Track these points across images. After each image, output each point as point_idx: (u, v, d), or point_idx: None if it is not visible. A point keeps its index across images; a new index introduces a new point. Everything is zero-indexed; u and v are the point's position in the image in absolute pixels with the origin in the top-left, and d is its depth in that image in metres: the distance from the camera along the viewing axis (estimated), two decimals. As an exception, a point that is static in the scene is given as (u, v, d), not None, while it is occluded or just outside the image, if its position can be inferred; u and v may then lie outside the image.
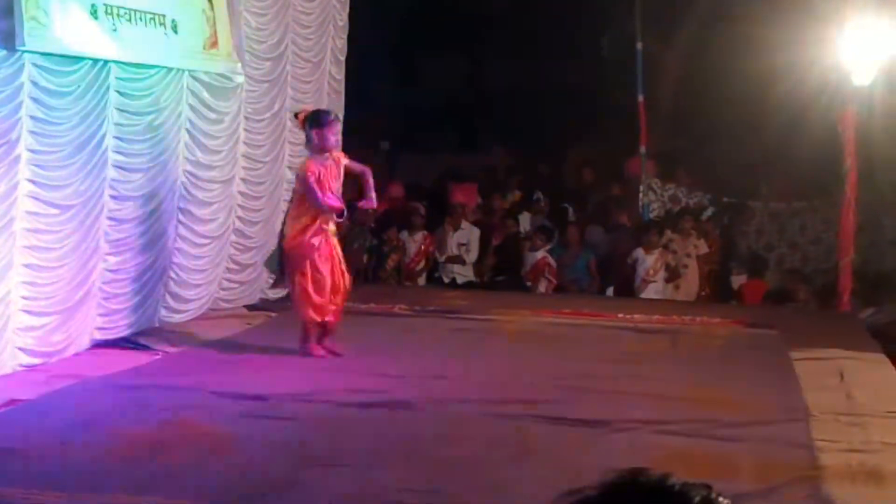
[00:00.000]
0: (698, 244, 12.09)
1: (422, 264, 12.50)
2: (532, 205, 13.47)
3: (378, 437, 6.07)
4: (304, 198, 8.06)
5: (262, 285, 10.46)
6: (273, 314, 9.76)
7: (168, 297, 9.01)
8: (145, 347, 8.17)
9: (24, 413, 6.31)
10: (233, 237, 9.90)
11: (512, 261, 12.45)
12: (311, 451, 5.80)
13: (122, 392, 6.85)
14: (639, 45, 13.09)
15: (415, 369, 7.77)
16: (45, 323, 7.50)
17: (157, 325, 8.83)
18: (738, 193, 13.26)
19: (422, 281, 12.49)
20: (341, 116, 11.61)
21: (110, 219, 8.12)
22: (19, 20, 6.82)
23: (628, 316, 10.15)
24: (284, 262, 8.27)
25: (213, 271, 9.64)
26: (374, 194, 8.39)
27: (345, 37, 11.57)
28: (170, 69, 8.65)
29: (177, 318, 9.14)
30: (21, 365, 7.25)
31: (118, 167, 8.16)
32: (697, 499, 1.35)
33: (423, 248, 12.47)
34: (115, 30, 7.77)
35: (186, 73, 8.91)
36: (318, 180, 7.97)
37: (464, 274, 12.51)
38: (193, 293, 9.38)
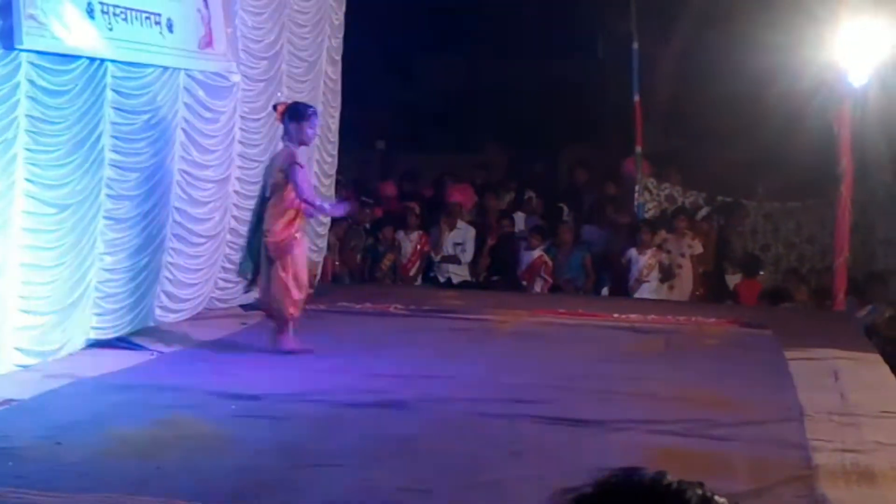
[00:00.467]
0: (692, 244, 12.10)
1: (417, 264, 12.51)
2: (524, 204, 13.47)
3: (372, 436, 6.07)
4: (289, 190, 8.03)
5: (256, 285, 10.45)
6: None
7: (163, 297, 9.00)
8: (140, 347, 8.16)
9: (18, 413, 6.31)
10: (228, 237, 9.89)
11: (507, 261, 12.46)
12: (305, 450, 5.81)
13: (117, 392, 6.85)
14: (634, 45, 13.10)
15: (409, 369, 7.78)
16: (41, 322, 7.49)
17: (152, 324, 8.82)
18: (734, 193, 13.27)
19: (417, 281, 12.49)
20: (337, 116, 11.66)
21: (106, 218, 8.11)
22: (17, 19, 6.81)
23: (623, 316, 10.16)
24: (263, 258, 8.19)
25: (208, 271, 9.64)
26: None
27: (341, 36, 11.56)
28: (166, 68, 8.65)
29: (172, 317, 9.13)
30: (16, 364, 7.24)
31: (115, 166, 8.15)
32: (693, 497, 1.36)
33: (418, 247, 12.47)
34: (110, 29, 7.76)
35: (182, 71, 8.90)
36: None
37: (459, 274, 12.52)
38: (189, 293, 9.38)
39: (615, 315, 10.20)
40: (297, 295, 8.18)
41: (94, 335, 8.09)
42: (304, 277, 8.31)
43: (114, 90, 8.04)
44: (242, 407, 6.57)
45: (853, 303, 11.16)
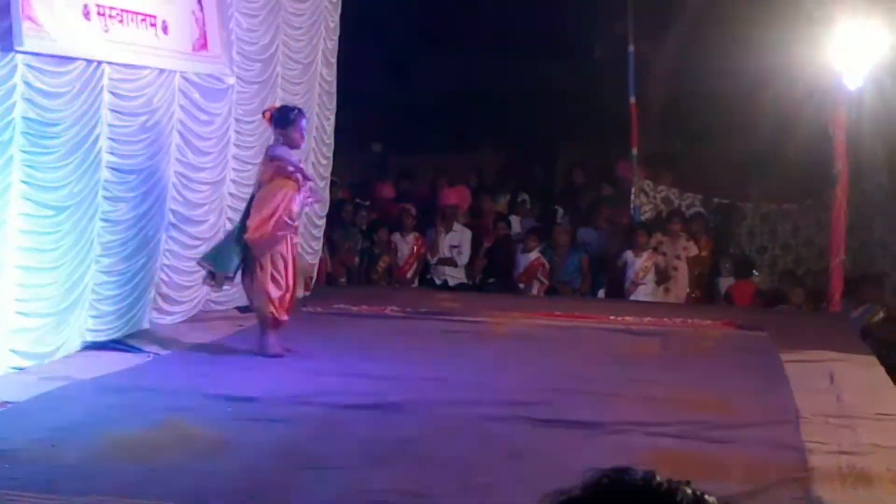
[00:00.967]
0: (687, 246, 12.11)
1: (414, 266, 12.51)
2: (519, 207, 13.48)
3: (368, 438, 6.07)
4: (270, 186, 8.01)
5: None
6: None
7: (159, 299, 8.99)
8: (136, 349, 8.16)
9: (14, 415, 6.30)
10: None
11: (503, 263, 12.46)
12: (301, 452, 5.80)
13: (113, 394, 6.84)
14: (630, 47, 13.11)
15: (406, 371, 7.78)
16: (38, 325, 7.49)
17: (147, 326, 8.81)
18: (730, 195, 13.28)
19: (413, 283, 12.49)
20: (332, 118, 11.66)
21: (103, 220, 8.11)
22: (16, 21, 6.80)
23: (619, 318, 10.16)
24: (244, 256, 8.13)
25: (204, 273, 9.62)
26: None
27: (336, 38, 11.56)
28: (162, 70, 8.65)
29: (168, 319, 9.13)
30: (12, 366, 7.24)
31: (111, 168, 8.15)
32: (684, 497, 1.36)
33: (414, 249, 12.47)
34: (106, 31, 7.76)
35: (178, 74, 8.90)
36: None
37: (455, 276, 12.52)
38: (184, 295, 9.37)
39: (611, 317, 10.21)
40: (276, 293, 8.04)
41: (90, 337, 8.09)
42: (288, 277, 8.12)
43: (111, 92, 8.03)
44: (238, 409, 6.57)
45: (849, 304, 11.17)
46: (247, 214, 8.17)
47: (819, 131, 11.38)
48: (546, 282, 12.16)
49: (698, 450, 5.96)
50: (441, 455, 5.80)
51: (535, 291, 12.15)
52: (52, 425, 6.03)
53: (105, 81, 7.94)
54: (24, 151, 7.19)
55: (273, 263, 8.05)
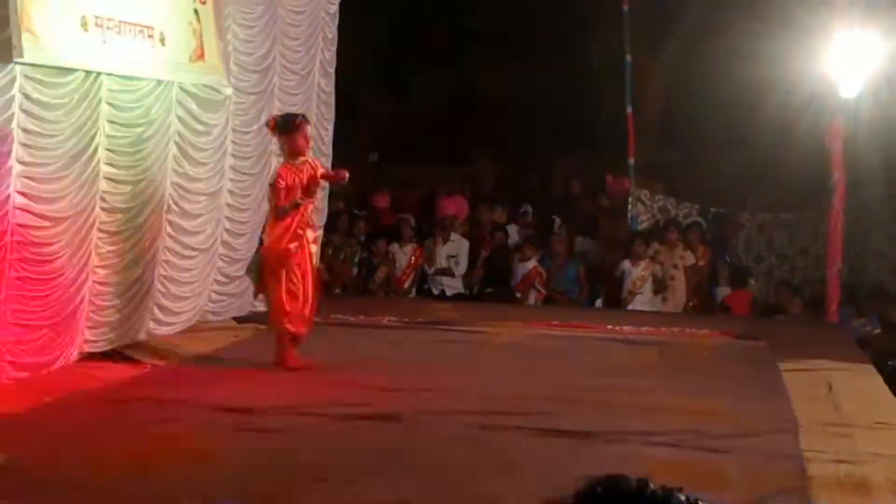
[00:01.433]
0: (684, 255, 12.12)
1: (411, 277, 12.51)
2: (519, 217, 13.49)
3: (365, 449, 6.06)
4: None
5: (250, 298, 10.45)
6: (262, 326, 9.73)
7: (156, 310, 8.99)
8: (134, 360, 8.15)
9: (11, 426, 6.28)
10: (221, 249, 9.89)
11: (501, 273, 12.46)
12: (298, 463, 5.79)
13: (110, 405, 6.84)
14: (627, 58, 13.13)
15: (403, 381, 7.77)
16: (36, 336, 7.48)
17: (145, 337, 8.81)
18: (726, 205, 13.29)
19: (411, 293, 12.49)
20: (331, 128, 11.66)
21: (101, 231, 8.11)
22: (15, 32, 6.80)
23: (617, 328, 10.17)
24: (262, 269, 8.14)
25: (201, 284, 9.63)
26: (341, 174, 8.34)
27: (334, 49, 11.57)
28: (160, 81, 8.65)
29: (165, 330, 9.12)
30: (9, 378, 7.23)
31: (109, 179, 8.15)
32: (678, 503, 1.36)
33: (412, 260, 12.48)
34: (104, 42, 7.76)
35: (175, 85, 8.91)
36: (289, 187, 7.92)
37: (452, 286, 12.52)
38: (182, 305, 9.37)
39: (609, 327, 10.22)
40: (291, 307, 7.98)
41: (87, 348, 8.08)
42: (305, 290, 8.04)
43: (109, 103, 8.04)
44: (236, 420, 6.56)
45: (849, 312, 11.18)
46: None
47: (815, 141, 11.40)
48: (543, 290, 12.17)
49: (696, 459, 5.95)
50: (438, 465, 5.79)
51: (532, 301, 12.16)
52: (49, 437, 6.02)
53: (103, 93, 7.95)
54: (22, 163, 7.19)
55: (288, 275, 7.96)
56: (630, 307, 11.82)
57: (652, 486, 1.37)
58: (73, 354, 7.92)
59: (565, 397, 7.40)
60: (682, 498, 1.37)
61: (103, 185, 8.07)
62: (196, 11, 9.01)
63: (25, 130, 7.18)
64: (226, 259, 9.96)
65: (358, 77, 12.65)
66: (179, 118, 9.02)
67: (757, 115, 12.32)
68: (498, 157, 15.80)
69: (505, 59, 16.06)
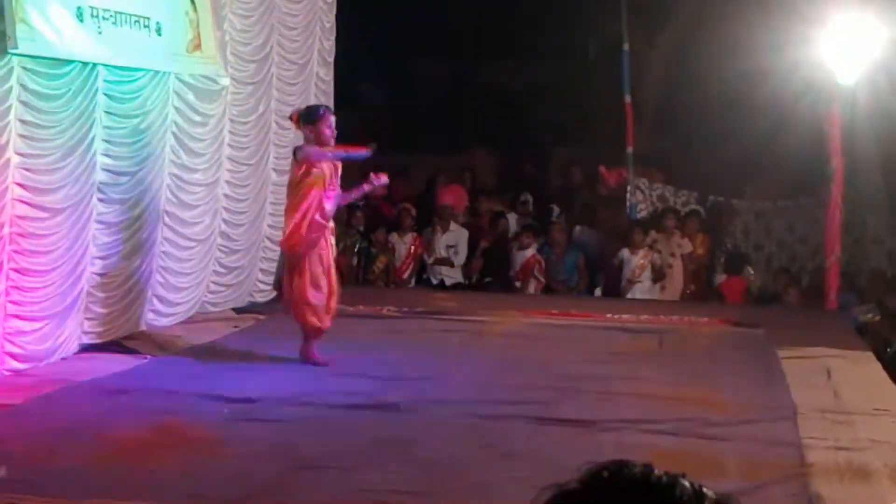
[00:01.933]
0: (682, 243, 12.12)
1: (411, 266, 12.50)
2: (518, 206, 13.47)
3: (366, 438, 6.07)
4: (298, 190, 7.78)
5: (249, 288, 10.46)
6: (261, 316, 9.75)
7: (155, 301, 8.99)
8: (133, 351, 8.15)
9: (11, 418, 6.29)
10: (219, 240, 9.88)
11: (500, 262, 12.46)
12: (299, 453, 5.80)
13: (110, 396, 6.84)
14: (625, 46, 13.12)
15: (403, 371, 7.77)
16: (35, 328, 7.48)
17: (144, 328, 8.81)
18: (725, 193, 13.29)
19: (410, 283, 12.49)
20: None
21: (98, 222, 8.10)
22: (10, 24, 6.79)
23: (616, 316, 10.17)
24: (282, 264, 8.00)
25: (199, 274, 9.63)
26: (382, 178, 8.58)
27: (332, 38, 11.55)
28: (156, 72, 8.64)
29: (164, 321, 9.12)
30: (8, 370, 7.23)
31: (107, 170, 8.14)
32: (683, 490, 1.36)
33: (412, 249, 12.47)
34: (100, 32, 7.74)
35: (172, 75, 8.89)
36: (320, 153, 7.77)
37: (452, 276, 12.52)
38: (180, 296, 9.37)
39: (608, 315, 10.22)
40: (314, 300, 7.81)
41: (86, 339, 8.08)
42: (331, 281, 7.89)
43: (106, 94, 8.03)
44: (236, 410, 6.56)
45: (848, 300, 11.18)
46: None
47: (813, 129, 11.39)
48: (542, 279, 12.16)
49: (696, 446, 5.97)
50: (438, 454, 5.80)
51: (531, 289, 12.16)
52: (49, 428, 6.02)
53: (100, 83, 7.94)
54: (20, 154, 7.18)
55: (311, 268, 7.82)
56: (629, 296, 11.82)
57: (657, 472, 1.37)
58: (72, 346, 7.92)
59: (564, 386, 7.41)
60: (687, 484, 1.37)
61: (101, 175, 8.07)
62: (192, 1, 8.99)
63: (23, 121, 7.17)
64: (224, 250, 9.96)
65: (356, 67, 12.61)
66: (176, 109, 9.00)
67: (755, 103, 12.30)
68: (494, 146, 15.78)
69: (504, 49, 16.04)
